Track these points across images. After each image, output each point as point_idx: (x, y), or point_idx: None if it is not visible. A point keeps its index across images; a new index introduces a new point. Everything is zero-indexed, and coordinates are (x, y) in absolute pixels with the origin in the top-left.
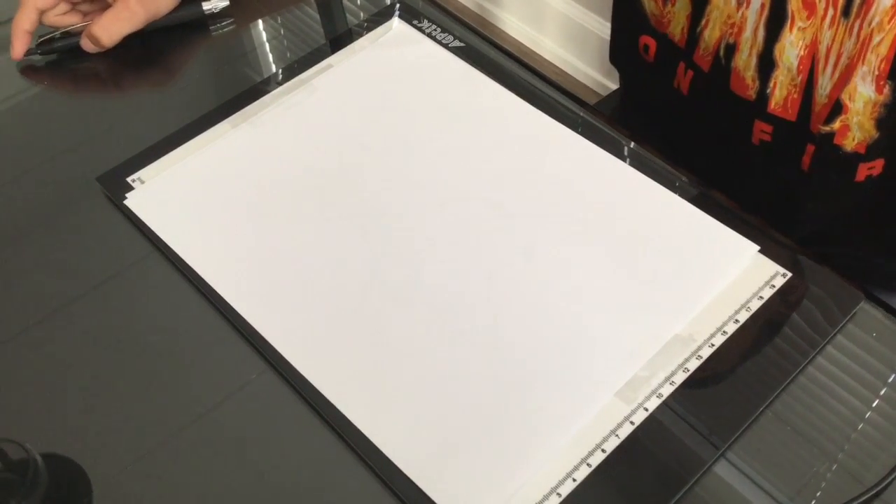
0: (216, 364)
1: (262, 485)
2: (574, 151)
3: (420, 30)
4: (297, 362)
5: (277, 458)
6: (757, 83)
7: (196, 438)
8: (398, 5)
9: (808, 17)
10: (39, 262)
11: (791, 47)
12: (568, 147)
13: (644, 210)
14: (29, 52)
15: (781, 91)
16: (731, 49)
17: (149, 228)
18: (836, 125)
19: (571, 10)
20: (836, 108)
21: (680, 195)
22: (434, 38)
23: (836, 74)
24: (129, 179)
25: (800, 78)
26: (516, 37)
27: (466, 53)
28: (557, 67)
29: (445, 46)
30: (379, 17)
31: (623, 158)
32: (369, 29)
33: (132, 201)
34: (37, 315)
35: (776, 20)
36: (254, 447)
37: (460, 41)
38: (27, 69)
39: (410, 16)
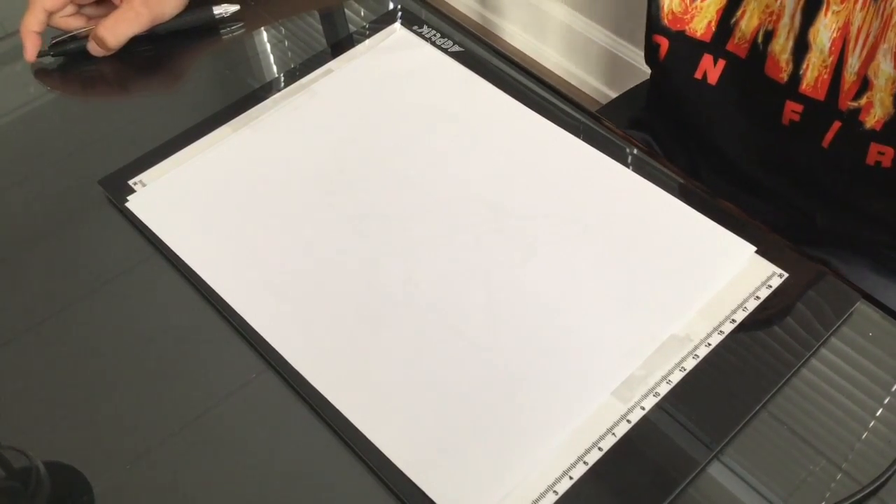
0: (216, 364)
1: (262, 484)
2: (572, 154)
3: (420, 35)
4: (296, 362)
5: (276, 457)
6: (791, 66)
7: (196, 439)
8: (399, 11)
9: (842, 1)
10: (41, 265)
11: (825, 30)
12: (566, 150)
13: (642, 212)
14: (41, 54)
15: (813, 72)
16: (769, 35)
17: (150, 231)
18: (863, 101)
19: (573, 20)
20: (864, 85)
21: (677, 197)
22: (434, 43)
23: (864, 53)
24: (130, 182)
25: (831, 59)
26: (518, 46)
27: (465, 58)
28: (559, 77)
29: (445, 51)
30: (380, 23)
31: (620, 161)
32: (370, 34)
33: (134, 204)
34: (38, 317)
35: (813, 5)
36: (253, 446)
37: (459, 46)
38: (35, 72)
39: (411, 22)
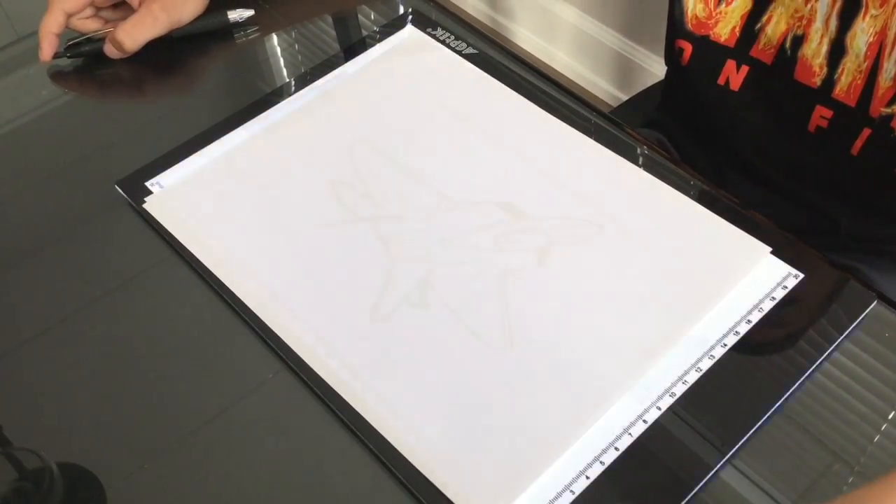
0: (233, 364)
1: (278, 483)
2: (586, 155)
3: (433, 37)
4: (313, 362)
5: (293, 457)
6: (825, 70)
7: (212, 439)
8: (410, 15)
9: (881, 5)
10: (58, 266)
11: (862, 34)
12: (580, 151)
13: (657, 213)
14: (57, 55)
15: (847, 77)
16: (799, 40)
17: (167, 232)
18: None
19: (583, 22)
20: None
21: (692, 198)
22: (447, 45)
23: None
24: (148, 184)
25: (866, 64)
26: (529, 49)
27: (479, 60)
28: (569, 79)
29: (459, 53)
30: (392, 27)
31: (635, 162)
32: (382, 38)
33: (151, 205)
34: (54, 318)
35: (851, 9)
36: (270, 446)
37: (473, 48)
38: (51, 74)
39: (423, 24)
